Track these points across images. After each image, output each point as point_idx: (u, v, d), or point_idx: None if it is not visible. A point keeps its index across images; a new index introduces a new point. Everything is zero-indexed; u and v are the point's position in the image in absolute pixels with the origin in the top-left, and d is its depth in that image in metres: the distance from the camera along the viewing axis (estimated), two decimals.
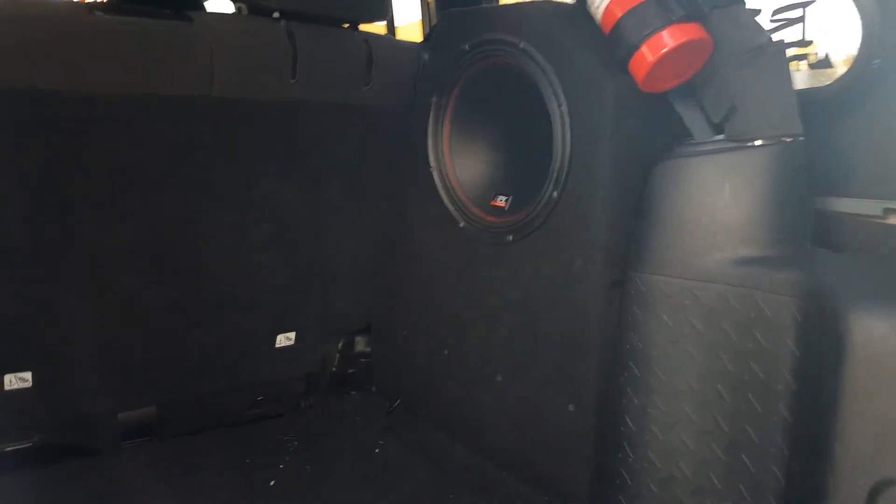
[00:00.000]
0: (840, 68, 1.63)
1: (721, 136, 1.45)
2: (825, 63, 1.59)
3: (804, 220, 1.40)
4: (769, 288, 1.30)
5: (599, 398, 1.52)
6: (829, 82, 1.56)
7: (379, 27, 2.59)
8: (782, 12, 1.65)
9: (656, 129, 1.51)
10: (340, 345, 2.14)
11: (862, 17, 1.46)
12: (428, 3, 2.48)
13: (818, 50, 1.62)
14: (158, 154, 1.59)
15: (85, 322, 1.63)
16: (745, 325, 1.33)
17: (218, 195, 1.71)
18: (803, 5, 1.64)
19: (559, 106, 1.54)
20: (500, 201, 1.75)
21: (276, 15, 1.66)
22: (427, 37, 2.32)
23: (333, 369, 2.14)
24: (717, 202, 1.36)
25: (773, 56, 1.37)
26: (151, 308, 1.70)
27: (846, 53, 1.59)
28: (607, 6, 1.43)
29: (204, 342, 1.82)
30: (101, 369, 1.68)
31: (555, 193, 1.56)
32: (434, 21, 2.49)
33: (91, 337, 1.65)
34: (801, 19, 1.64)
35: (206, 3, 1.65)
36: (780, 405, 1.28)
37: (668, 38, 1.36)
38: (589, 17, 1.49)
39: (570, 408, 1.55)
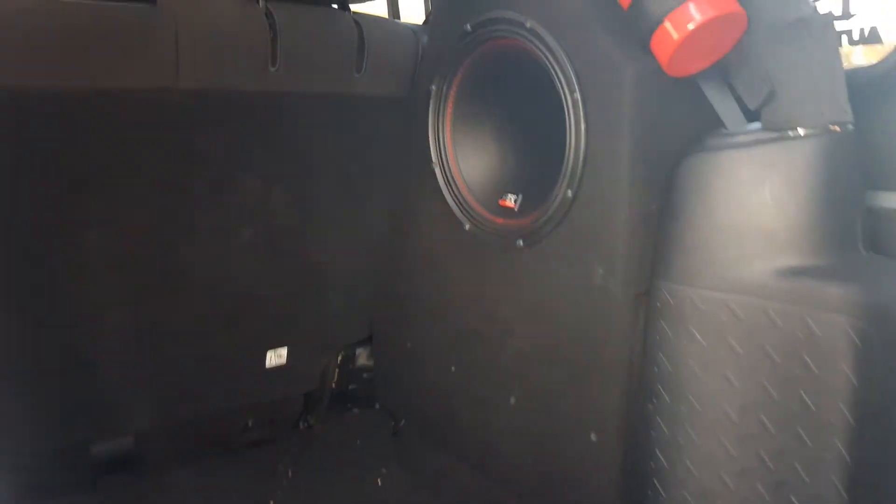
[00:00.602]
0: (890, 45, 1.42)
1: (758, 125, 1.25)
2: (872, 38, 1.38)
3: (856, 221, 1.20)
4: (819, 304, 1.11)
5: (625, 427, 1.33)
6: (876, 61, 1.36)
7: (377, 9, 2.40)
8: None
9: (683, 119, 1.32)
10: (340, 358, 1.96)
11: None
12: None
13: (863, 23, 1.41)
14: (121, 156, 1.42)
15: (50, 345, 1.47)
16: (791, 346, 1.13)
17: (192, 199, 1.53)
18: None
19: (572, 93, 1.34)
20: (509, 201, 1.56)
21: None
22: (427, 18, 2.13)
23: (333, 385, 1.97)
24: (757, 202, 1.17)
25: (819, 30, 1.17)
26: (122, 327, 1.53)
27: None
28: None
29: (184, 363, 1.64)
30: (69, 396, 1.52)
31: (569, 193, 1.37)
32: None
33: (56, 361, 1.48)
34: None
35: None
36: (834, 441, 1.10)
37: (697, 12, 1.17)
38: None
39: (593, 437, 1.37)
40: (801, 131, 1.17)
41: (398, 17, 2.46)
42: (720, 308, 1.20)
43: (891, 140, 1.29)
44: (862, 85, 1.28)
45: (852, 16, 1.31)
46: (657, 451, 1.28)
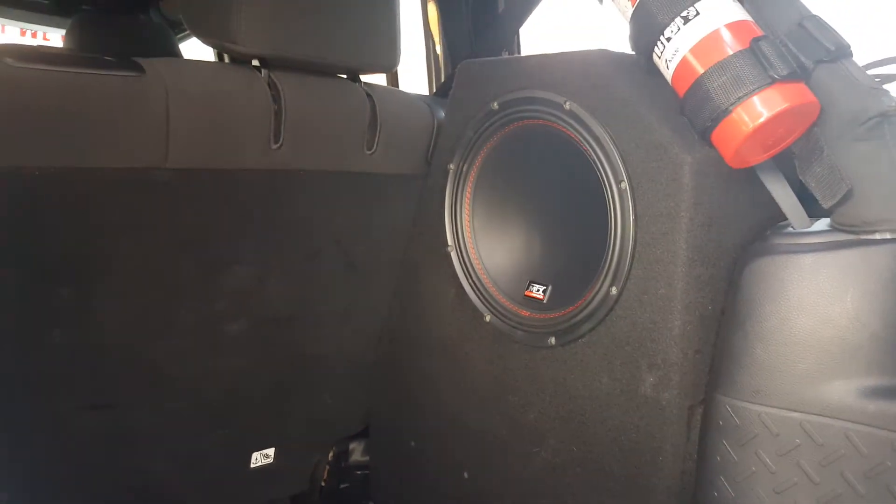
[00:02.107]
0: None
1: (824, 223, 1.15)
2: None
3: None
4: None
5: None
6: None
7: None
8: (878, 66, 1.34)
9: (743, 213, 1.21)
10: (331, 455, 1.78)
11: None
12: (436, 49, 2.18)
13: None
14: (96, 242, 1.24)
15: (9, 454, 1.27)
16: (878, 476, 1.01)
17: (175, 290, 1.35)
18: None
19: (619, 182, 1.23)
20: (537, 292, 1.43)
21: (255, 63, 1.33)
22: (441, 90, 2.01)
23: (322, 484, 1.78)
24: (838, 313, 1.05)
25: None
26: (91, 431, 1.34)
27: None
28: (683, 59, 1.13)
29: (160, 468, 1.45)
30: None
31: (613, 290, 1.24)
32: (443, 70, 2.19)
33: (15, 472, 1.28)
34: None
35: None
36: None
37: (770, 103, 1.06)
38: (654, 72, 1.19)
39: None
40: (882, 235, 1.06)
41: (397, 84, 2.35)
42: (794, 430, 1.07)
43: None
44: None
45: None
46: None
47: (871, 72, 1.32)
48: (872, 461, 1.01)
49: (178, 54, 2.63)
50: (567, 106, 1.30)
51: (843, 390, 1.04)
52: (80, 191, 1.18)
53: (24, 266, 1.18)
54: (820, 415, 1.05)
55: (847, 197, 1.08)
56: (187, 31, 3.00)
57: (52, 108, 1.11)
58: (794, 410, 1.07)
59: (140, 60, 1.20)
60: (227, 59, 1.38)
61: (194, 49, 3.16)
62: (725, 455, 1.13)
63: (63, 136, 1.13)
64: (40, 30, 3.41)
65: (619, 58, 1.28)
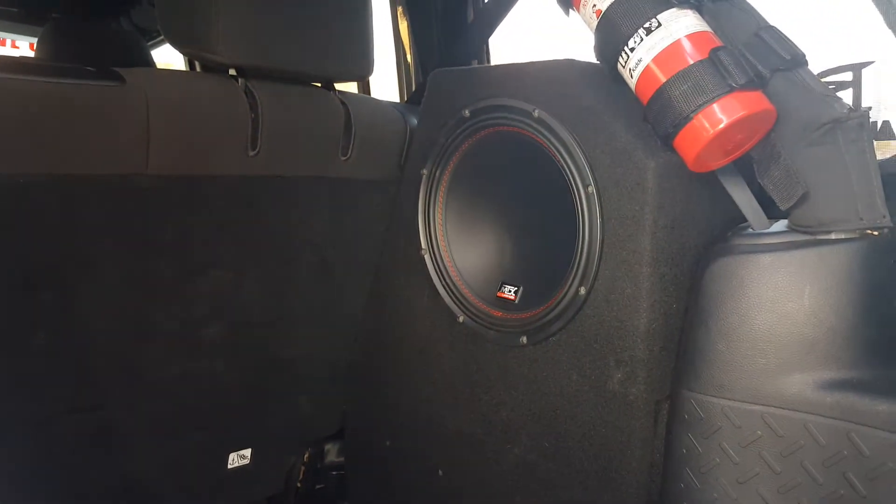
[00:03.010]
0: None
1: (782, 225, 1.20)
2: (886, 133, 1.36)
3: None
4: (867, 419, 1.04)
5: None
6: (890, 155, 1.34)
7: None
8: (831, 74, 1.41)
9: (704, 215, 1.26)
10: (307, 456, 1.80)
11: None
12: (406, 58, 2.22)
13: (877, 118, 1.38)
14: (78, 247, 1.26)
15: None
16: (835, 465, 1.06)
17: (155, 294, 1.38)
18: (857, 67, 1.39)
19: (586, 187, 1.27)
20: (508, 293, 1.47)
21: (231, 72, 1.36)
22: (412, 98, 2.05)
23: (298, 485, 1.80)
24: (795, 310, 1.10)
25: (854, 131, 1.12)
26: (67, 435, 1.36)
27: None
28: (646, 68, 1.18)
29: (137, 472, 1.47)
30: None
31: (582, 290, 1.28)
32: (413, 79, 2.23)
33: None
34: (853, 83, 1.40)
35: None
36: None
37: (729, 110, 1.11)
38: (619, 80, 1.24)
39: None
40: (836, 235, 1.11)
41: (368, 92, 2.38)
42: (755, 422, 1.12)
43: None
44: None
45: (868, 110, 1.28)
46: None
47: (825, 79, 1.39)
48: (830, 451, 1.06)
49: (150, 61, 2.64)
50: (536, 114, 1.34)
51: (801, 383, 1.09)
52: (63, 197, 1.20)
53: (6, 270, 1.20)
54: (780, 407, 1.10)
55: (803, 199, 1.13)
56: (158, 39, 3.02)
57: (35, 118, 1.13)
58: (756, 403, 1.12)
59: (120, 70, 1.23)
60: (198, 68, 1.40)
61: (164, 55, 3.17)
62: (691, 447, 1.18)
63: (45, 144, 1.15)
64: (9, 37, 3.40)
65: (585, 67, 1.33)
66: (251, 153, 1.37)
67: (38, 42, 2.33)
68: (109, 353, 1.36)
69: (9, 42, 3.47)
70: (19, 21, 3.02)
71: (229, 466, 1.62)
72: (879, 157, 1.35)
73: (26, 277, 1.22)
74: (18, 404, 1.29)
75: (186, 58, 1.36)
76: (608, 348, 1.26)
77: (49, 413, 1.33)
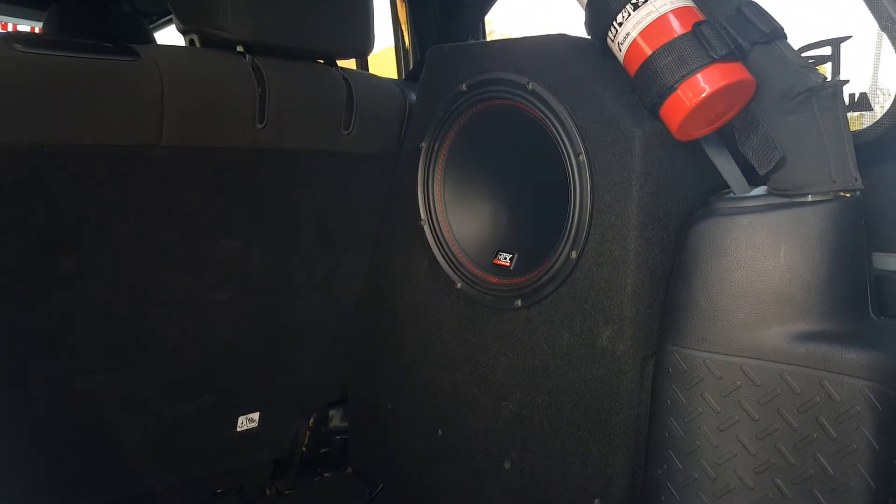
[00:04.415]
0: (879, 110, 1.47)
1: (762, 190, 1.27)
2: (862, 105, 1.43)
3: (866, 285, 1.22)
4: (838, 367, 1.11)
5: (632, 494, 1.31)
6: (866, 126, 1.40)
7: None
8: (811, 49, 1.48)
9: (688, 181, 1.33)
10: (311, 421, 1.88)
11: None
12: (403, 36, 2.28)
13: (854, 90, 1.45)
14: (94, 214, 1.33)
15: (5, 414, 1.35)
16: (808, 410, 1.14)
17: (167, 260, 1.45)
18: (835, 42, 1.47)
19: (577, 156, 1.34)
20: (504, 260, 1.54)
21: (239, 49, 1.43)
22: (411, 74, 2.11)
23: (303, 449, 1.88)
24: (772, 267, 1.18)
25: (828, 99, 1.20)
26: (85, 394, 1.43)
27: (886, 93, 1.44)
28: (633, 41, 1.24)
29: (150, 432, 1.54)
30: (25, 468, 1.40)
31: (573, 254, 1.36)
32: (411, 56, 2.29)
33: (11, 431, 1.37)
34: (832, 57, 1.48)
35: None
36: None
37: (710, 80, 1.18)
38: (608, 54, 1.31)
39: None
40: (812, 197, 1.19)
41: (366, 69, 2.44)
42: (735, 373, 1.20)
43: (885, 201, 1.32)
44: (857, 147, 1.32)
45: (845, 82, 1.36)
46: None
47: (805, 54, 1.46)
48: (804, 398, 1.14)
49: (152, 39, 2.70)
50: (530, 86, 1.41)
51: (777, 336, 1.17)
52: (81, 166, 1.27)
53: (27, 234, 1.27)
54: (757, 358, 1.18)
55: (780, 164, 1.21)
56: (159, 21, 3.07)
57: (54, 90, 1.20)
58: (735, 355, 1.20)
59: (134, 46, 1.30)
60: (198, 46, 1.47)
61: (164, 39, 3.22)
62: (675, 398, 1.25)
63: (64, 115, 1.22)
64: (10, 21, 3.44)
65: (576, 42, 1.40)
66: (259, 126, 1.44)
67: (44, 24, 2.38)
68: (124, 316, 1.43)
69: (10, 26, 3.52)
70: (21, 4, 3.07)
71: (238, 429, 1.70)
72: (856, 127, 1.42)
73: (45, 242, 1.29)
74: (39, 362, 1.36)
75: (188, 39, 1.42)
76: (597, 308, 1.34)
77: (65, 373, 1.40)
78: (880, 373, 1.08)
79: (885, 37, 1.32)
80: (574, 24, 1.43)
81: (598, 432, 1.34)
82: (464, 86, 1.53)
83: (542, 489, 1.43)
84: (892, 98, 1.38)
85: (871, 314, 1.19)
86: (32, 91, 1.17)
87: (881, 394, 1.07)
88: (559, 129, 1.37)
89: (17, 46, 1.15)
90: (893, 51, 1.34)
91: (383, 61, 2.47)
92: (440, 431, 1.63)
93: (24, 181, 1.23)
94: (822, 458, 1.13)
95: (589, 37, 1.34)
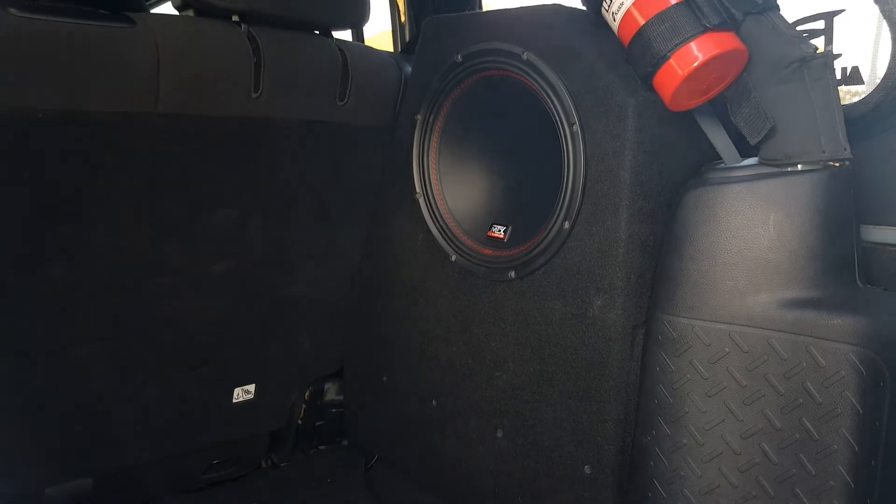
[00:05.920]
0: (871, 84, 1.48)
1: (753, 160, 1.28)
2: (854, 79, 1.44)
3: (853, 254, 1.23)
4: (824, 334, 1.13)
5: (622, 460, 1.33)
6: (857, 99, 1.41)
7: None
8: (804, 23, 1.49)
9: (680, 151, 1.34)
10: (307, 394, 1.90)
11: (892, 29, 1.31)
12: (399, 9, 2.28)
13: (846, 64, 1.46)
14: (92, 182, 1.34)
15: (4, 382, 1.37)
16: (795, 376, 1.15)
17: (165, 230, 1.46)
18: (828, 16, 1.48)
19: (571, 126, 1.35)
20: (498, 232, 1.55)
21: (235, 18, 1.44)
22: (407, 47, 2.12)
23: (299, 422, 1.90)
24: (761, 236, 1.19)
25: (819, 69, 1.20)
26: (84, 363, 1.44)
27: (877, 67, 1.45)
28: (627, 11, 1.25)
29: (148, 401, 1.56)
30: (24, 437, 1.42)
31: (566, 224, 1.37)
32: (407, 29, 2.29)
33: (11, 400, 1.38)
34: (825, 31, 1.48)
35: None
36: (838, 468, 1.11)
37: (703, 49, 1.19)
38: (602, 24, 1.32)
39: (587, 470, 1.35)
40: (801, 167, 1.20)
41: (362, 41, 2.44)
42: (723, 340, 1.21)
43: (874, 175, 1.33)
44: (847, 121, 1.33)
45: (837, 56, 1.36)
46: (655, 483, 1.28)
47: (799, 27, 1.47)
48: (791, 364, 1.16)
49: (146, 7, 2.69)
50: (525, 56, 1.42)
51: (765, 303, 1.18)
52: (78, 133, 1.28)
53: (26, 201, 1.28)
54: (745, 325, 1.19)
55: (771, 134, 1.22)
56: None
57: (51, 55, 1.21)
58: (723, 322, 1.21)
59: (130, 14, 1.30)
60: (191, 13, 1.47)
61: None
62: (664, 365, 1.27)
63: (61, 81, 1.23)
64: None
65: (571, 12, 1.41)
66: (254, 95, 1.45)
67: None
68: (122, 285, 1.44)
69: None
70: None
71: (235, 400, 1.71)
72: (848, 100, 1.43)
73: (44, 209, 1.30)
74: (38, 331, 1.38)
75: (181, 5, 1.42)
76: (589, 278, 1.35)
77: (66, 341, 1.41)
78: (865, 338, 1.09)
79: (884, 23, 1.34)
80: None
81: (589, 400, 1.35)
82: (459, 56, 1.54)
83: (533, 456, 1.45)
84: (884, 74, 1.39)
85: (858, 282, 1.21)
86: (27, 55, 1.18)
87: (865, 358, 1.09)
88: (553, 98, 1.38)
89: (13, 10, 1.16)
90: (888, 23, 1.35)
91: (382, 47, 2.47)
92: (434, 402, 1.64)
93: (24, 148, 1.24)
94: (807, 423, 1.14)
95: (584, 7, 1.35)
